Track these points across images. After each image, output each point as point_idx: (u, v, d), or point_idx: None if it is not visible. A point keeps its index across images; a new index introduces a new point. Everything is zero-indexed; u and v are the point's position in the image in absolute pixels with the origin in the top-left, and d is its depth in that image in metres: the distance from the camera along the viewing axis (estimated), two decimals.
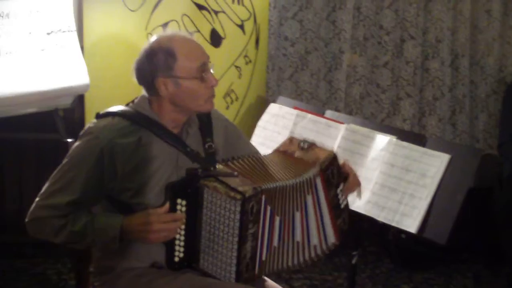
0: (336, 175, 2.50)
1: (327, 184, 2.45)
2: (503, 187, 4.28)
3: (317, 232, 2.46)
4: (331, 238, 2.51)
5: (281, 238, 2.38)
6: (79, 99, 3.74)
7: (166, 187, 2.30)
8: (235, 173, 2.30)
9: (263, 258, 2.34)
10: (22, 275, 4.16)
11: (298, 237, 2.42)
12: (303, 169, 2.43)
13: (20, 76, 3.31)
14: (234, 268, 2.26)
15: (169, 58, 2.35)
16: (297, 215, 2.40)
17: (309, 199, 2.42)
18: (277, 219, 2.34)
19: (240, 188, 2.21)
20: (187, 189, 2.28)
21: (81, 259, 2.61)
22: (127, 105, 2.48)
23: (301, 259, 2.46)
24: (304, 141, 2.55)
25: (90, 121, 2.46)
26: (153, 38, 2.43)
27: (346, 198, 2.59)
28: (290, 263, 2.44)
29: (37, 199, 2.36)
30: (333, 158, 2.50)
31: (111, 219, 2.32)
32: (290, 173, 2.41)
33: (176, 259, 2.33)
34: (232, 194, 2.21)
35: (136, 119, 2.40)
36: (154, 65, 2.36)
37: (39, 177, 4.23)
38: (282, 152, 2.55)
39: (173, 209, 2.28)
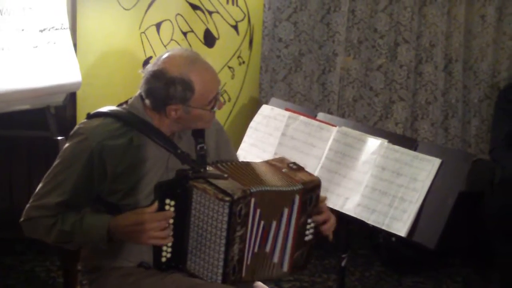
0: (313, 204, 2.46)
1: (303, 207, 2.42)
2: (494, 192, 4.29)
3: (280, 250, 2.42)
4: (285, 266, 2.46)
5: (259, 245, 2.37)
6: (71, 97, 3.73)
7: (155, 187, 2.29)
8: (225, 175, 2.30)
9: (248, 262, 2.33)
10: (11, 272, 4.16)
11: (268, 247, 2.40)
12: (288, 182, 2.41)
13: (12, 73, 3.29)
14: (220, 270, 2.26)
15: (187, 91, 2.35)
16: (274, 224, 2.38)
17: (285, 212, 2.40)
18: (261, 223, 2.34)
19: (229, 190, 2.22)
20: (176, 190, 2.28)
21: (69, 258, 2.60)
22: (120, 105, 2.48)
23: (261, 275, 2.43)
24: (294, 163, 2.55)
25: (82, 119, 2.45)
26: (171, 59, 2.38)
27: (312, 234, 2.50)
28: (260, 276, 2.43)
29: (30, 200, 2.38)
30: (317, 184, 2.47)
31: (99, 219, 2.32)
32: (276, 181, 2.40)
33: (164, 259, 2.33)
34: (221, 196, 2.21)
35: (128, 120, 2.40)
36: (171, 93, 2.35)
37: (30, 175, 4.22)
38: (272, 165, 2.54)
39: (161, 209, 2.27)
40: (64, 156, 2.38)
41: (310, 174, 2.52)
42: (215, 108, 2.44)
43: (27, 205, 2.38)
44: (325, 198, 2.56)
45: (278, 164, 2.53)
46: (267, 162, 2.56)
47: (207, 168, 2.35)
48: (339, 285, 3.27)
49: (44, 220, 2.33)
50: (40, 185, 2.39)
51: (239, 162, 2.46)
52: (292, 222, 2.41)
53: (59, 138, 3.51)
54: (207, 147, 2.54)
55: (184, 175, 2.29)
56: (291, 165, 2.52)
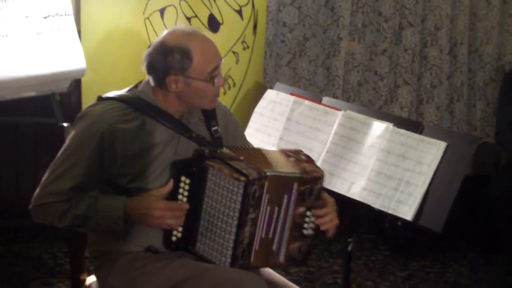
0: (314, 196, 2.42)
1: (301, 196, 2.38)
2: (499, 175, 4.29)
3: (278, 239, 2.39)
4: (281, 256, 2.42)
5: (267, 231, 2.36)
6: (76, 83, 3.73)
7: (171, 164, 2.32)
8: (241, 157, 2.30)
9: (257, 248, 2.33)
10: (19, 259, 4.17)
11: (271, 234, 2.37)
12: (290, 168, 2.39)
13: (17, 60, 3.30)
14: (230, 252, 2.26)
15: (185, 59, 2.36)
16: (275, 210, 2.36)
17: (284, 200, 2.37)
18: (268, 209, 2.33)
19: (244, 171, 2.22)
20: (192, 168, 2.29)
21: (76, 244, 2.60)
22: (130, 89, 2.48)
23: (264, 261, 2.41)
24: (307, 155, 2.53)
25: (87, 105, 2.45)
26: (171, 32, 2.42)
27: (313, 228, 2.46)
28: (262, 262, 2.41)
29: (40, 184, 2.36)
30: (318, 176, 2.42)
31: (114, 201, 2.32)
32: (281, 167, 2.38)
33: (174, 238, 2.34)
34: (236, 175, 2.21)
35: (138, 105, 2.41)
36: (168, 62, 2.36)
37: (36, 162, 4.23)
38: (283, 152, 2.52)
39: (176, 187, 2.29)
40: (74, 139, 2.37)
41: (316, 166, 2.49)
42: (216, 82, 2.42)
43: (37, 191, 2.36)
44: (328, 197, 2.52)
45: (290, 154, 2.51)
46: (282, 150, 2.55)
47: (223, 150, 2.35)
48: (345, 269, 3.27)
49: (57, 206, 2.31)
50: (49, 170, 2.37)
51: (253, 147, 2.45)
52: (290, 211, 2.37)
53: (65, 124, 3.51)
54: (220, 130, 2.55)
55: (201, 154, 2.30)
56: (301, 156, 2.51)
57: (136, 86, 2.49)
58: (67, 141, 2.39)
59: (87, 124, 2.36)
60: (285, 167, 2.39)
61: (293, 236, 2.41)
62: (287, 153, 2.52)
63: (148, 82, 2.45)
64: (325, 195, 2.50)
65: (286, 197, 2.36)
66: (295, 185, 2.36)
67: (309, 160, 2.50)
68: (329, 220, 2.47)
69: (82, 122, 2.38)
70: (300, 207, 2.40)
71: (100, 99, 2.44)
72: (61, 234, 3.79)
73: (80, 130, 2.37)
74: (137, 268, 2.35)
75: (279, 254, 2.41)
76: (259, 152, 2.45)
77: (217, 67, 2.42)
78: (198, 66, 2.37)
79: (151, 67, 2.41)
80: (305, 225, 2.43)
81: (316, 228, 2.46)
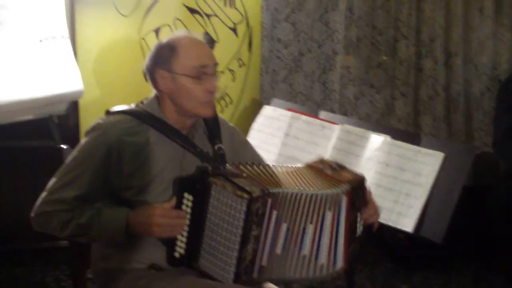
0: (361, 199, 2.48)
1: (352, 206, 2.42)
2: (499, 185, 4.28)
3: (327, 251, 2.42)
4: (340, 263, 2.45)
5: (286, 247, 2.35)
6: (74, 105, 3.74)
7: (174, 181, 2.31)
8: (244, 174, 2.31)
9: (263, 264, 2.33)
10: (21, 283, 4.15)
11: (306, 250, 2.38)
12: (331, 184, 2.40)
13: (14, 83, 3.31)
14: (233, 269, 2.25)
15: (170, 53, 2.40)
16: (310, 227, 2.37)
17: (329, 215, 2.38)
18: (284, 226, 2.33)
19: (248, 188, 2.21)
20: (196, 184, 2.29)
21: (78, 264, 2.60)
22: (137, 105, 2.50)
23: (305, 274, 2.41)
24: (336, 162, 2.54)
25: (85, 127, 2.47)
26: (166, 37, 2.49)
27: (361, 226, 2.51)
28: (293, 275, 2.40)
29: (43, 193, 2.36)
30: (362, 180, 2.48)
31: (117, 211, 2.33)
32: (314, 184, 2.38)
33: (177, 254, 2.33)
34: (239, 193, 2.21)
35: (145, 118, 2.42)
36: (156, 57, 2.43)
37: (35, 184, 4.22)
38: (313, 167, 2.53)
39: (179, 203, 2.29)
40: (81, 150, 2.38)
41: (353, 171, 2.52)
42: (206, 83, 2.40)
43: (40, 199, 2.35)
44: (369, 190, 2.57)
45: (319, 166, 2.52)
46: (309, 165, 2.55)
47: (227, 167, 2.36)
48: (348, 283, 3.27)
49: (60, 215, 2.31)
50: (53, 180, 2.37)
51: (259, 165, 2.45)
52: (342, 222, 2.40)
53: (63, 146, 3.52)
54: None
55: (204, 171, 2.29)
56: (333, 165, 2.52)
57: (142, 102, 2.51)
58: (75, 151, 2.40)
59: (95, 135, 2.38)
60: (319, 182, 2.40)
61: (349, 240, 2.44)
62: (315, 166, 2.52)
63: (155, 96, 2.48)
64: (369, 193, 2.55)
65: (330, 212, 2.37)
66: (344, 199, 2.38)
67: (341, 166, 2.53)
68: (374, 214, 2.54)
69: (91, 134, 2.40)
70: (352, 213, 2.43)
71: (109, 113, 2.46)
72: (63, 256, 3.79)
73: (89, 141, 2.38)
74: (141, 286, 2.34)
75: (335, 263, 2.43)
76: (267, 169, 2.43)
77: (204, 66, 2.41)
78: (182, 60, 2.39)
79: (146, 70, 2.46)
80: (357, 228, 2.49)
81: (366, 227, 2.53)
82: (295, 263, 2.38)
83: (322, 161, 2.56)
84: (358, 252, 2.53)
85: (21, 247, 4.10)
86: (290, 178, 2.39)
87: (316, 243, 2.39)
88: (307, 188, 2.34)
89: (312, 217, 2.36)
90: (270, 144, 3.48)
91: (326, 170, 2.49)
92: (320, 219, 2.37)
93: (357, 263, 2.59)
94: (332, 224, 2.39)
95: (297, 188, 2.32)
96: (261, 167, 2.42)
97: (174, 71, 2.39)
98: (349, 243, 2.44)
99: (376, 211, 2.55)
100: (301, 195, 2.32)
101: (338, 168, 2.51)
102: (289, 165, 2.52)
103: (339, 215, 2.40)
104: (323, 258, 2.41)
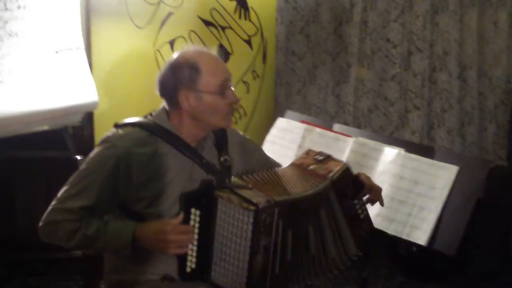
0: (351, 186, 2.52)
1: (341, 196, 2.46)
2: None
3: (334, 245, 2.47)
4: (352, 249, 2.53)
5: (295, 252, 2.37)
6: (88, 116, 3.76)
7: (180, 197, 2.31)
8: (250, 185, 2.31)
9: (276, 271, 2.33)
10: None
11: (313, 250, 2.42)
12: (315, 183, 2.44)
13: (29, 94, 3.33)
14: (245, 280, 2.25)
15: (193, 72, 2.39)
16: (310, 228, 2.40)
17: (322, 212, 2.43)
18: (290, 232, 2.34)
19: (254, 200, 2.22)
20: (202, 199, 2.29)
21: (92, 275, 2.61)
22: (145, 117, 2.51)
23: (320, 272, 2.45)
24: (320, 153, 2.59)
25: (100, 138, 2.48)
26: (178, 53, 2.47)
27: (365, 208, 2.60)
28: (307, 275, 2.42)
29: (52, 203, 2.38)
30: (345, 170, 2.52)
31: (124, 224, 2.34)
32: (303, 186, 2.42)
33: (188, 269, 2.33)
34: (246, 205, 2.22)
35: (154, 130, 2.43)
36: (178, 78, 2.40)
37: (50, 195, 4.23)
38: (298, 165, 2.57)
39: (187, 218, 2.29)
40: (90, 161, 2.39)
41: (337, 161, 2.57)
42: (229, 95, 2.44)
43: (49, 209, 2.37)
44: (360, 173, 2.64)
45: (304, 162, 2.55)
46: (293, 164, 2.59)
47: (232, 179, 2.36)
48: None
49: (67, 225, 2.32)
50: (63, 189, 2.39)
51: (264, 172, 2.46)
52: (338, 214, 2.47)
53: (78, 157, 3.54)
54: (230, 160, 2.56)
55: (209, 185, 2.30)
56: (317, 157, 2.56)
57: (151, 114, 2.51)
58: (84, 163, 2.41)
59: (104, 147, 2.39)
60: (303, 184, 2.43)
61: (353, 226, 2.51)
62: (299, 163, 2.57)
63: (163, 108, 2.48)
64: (359, 176, 2.62)
65: (324, 209, 2.43)
66: (331, 192, 2.45)
67: (326, 157, 2.57)
68: (374, 194, 2.63)
69: (100, 146, 2.41)
70: (345, 202, 2.48)
71: (117, 126, 2.47)
72: (76, 266, 3.79)
73: (98, 153, 2.40)
74: None
75: (346, 250, 2.51)
76: (271, 177, 2.46)
77: (226, 80, 2.44)
78: (207, 78, 2.40)
79: (163, 88, 2.45)
80: (359, 211, 2.56)
81: (367, 204, 2.64)
82: (307, 265, 2.41)
83: (307, 153, 2.62)
84: (370, 232, 2.62)
85: (34, 256, 4.11)
86: (288, 182, 2.44)
87: (320, 241, 2.43)
88: (303, 191, 2.39)
89: (309, 217, 2.40)
90: (284, 156, 3.47)
91: (310, 165, 2.53)
92: (316, 218, 2.42)
93: (375, 243, 2.65)
94: (329, 219, 2.45)
95: (296, 192, 2.37)
96: (265, 174, 2.45)
97: (199, 89, 2.39)
98: (355, 229, 2.51)
99: (374, 190, 2.64)
100: (300, 199, 2.35)
101: (321, 159, 2.56)
102: (279, 168, 2.59)
103: (332, 209, 2.46)
104: (332, 252, 2.47)
